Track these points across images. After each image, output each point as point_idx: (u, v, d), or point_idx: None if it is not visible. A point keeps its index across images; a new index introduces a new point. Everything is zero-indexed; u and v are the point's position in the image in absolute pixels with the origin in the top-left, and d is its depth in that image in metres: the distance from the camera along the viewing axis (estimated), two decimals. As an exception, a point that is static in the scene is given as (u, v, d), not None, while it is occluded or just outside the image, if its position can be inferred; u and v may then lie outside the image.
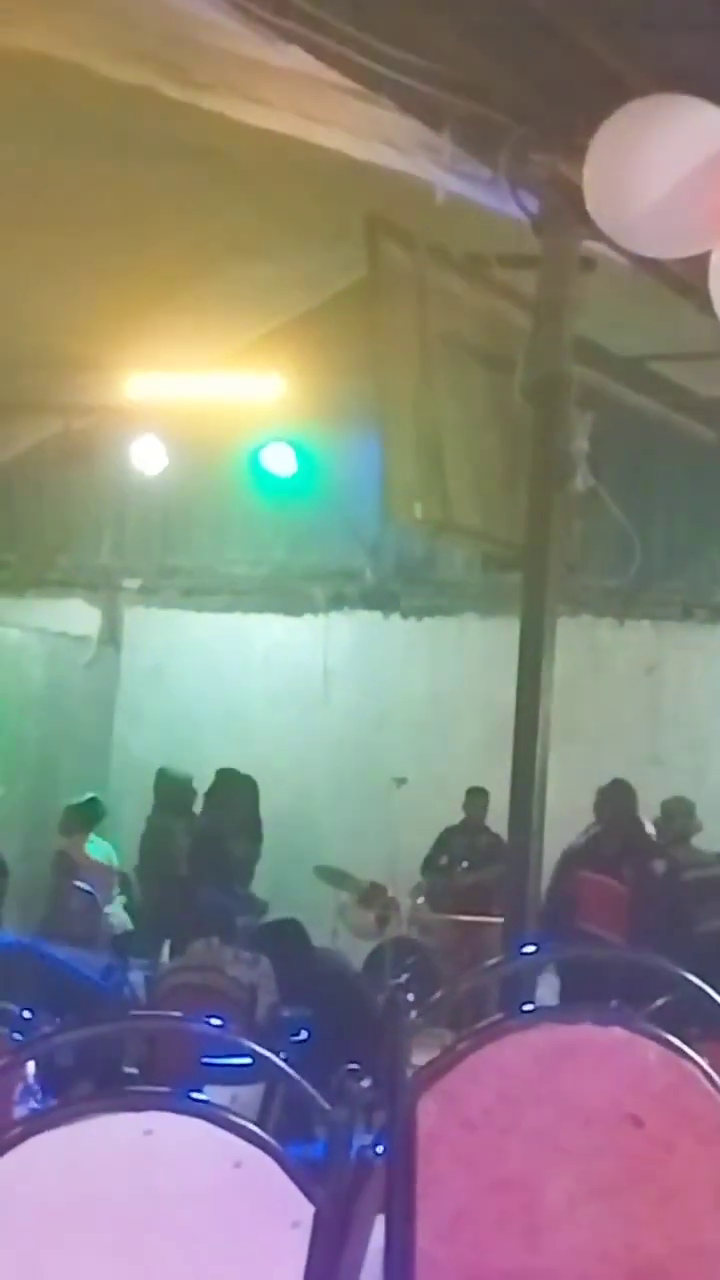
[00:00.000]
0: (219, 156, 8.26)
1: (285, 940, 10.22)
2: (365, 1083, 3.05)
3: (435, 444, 7.69)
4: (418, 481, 7.61)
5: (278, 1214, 2.94)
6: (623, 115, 5.37)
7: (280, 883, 15.18)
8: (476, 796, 14.87)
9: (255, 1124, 3.02)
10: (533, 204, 7.19)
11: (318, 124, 6.94)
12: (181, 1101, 2.95)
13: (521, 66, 6.65)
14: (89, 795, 15.02)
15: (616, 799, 13.51)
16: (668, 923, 12.02)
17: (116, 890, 14.21)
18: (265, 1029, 8.72)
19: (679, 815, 14.35)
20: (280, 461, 13.57)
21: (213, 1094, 3.39)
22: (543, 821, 7.25)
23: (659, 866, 12.65)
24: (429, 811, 15.13)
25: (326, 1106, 3.08)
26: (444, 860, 15.12)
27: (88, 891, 9.86)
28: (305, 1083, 3.17)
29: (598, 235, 6.70)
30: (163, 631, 17.57)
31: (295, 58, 6.22)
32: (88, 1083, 5.40)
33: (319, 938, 13.21)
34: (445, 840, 15.30)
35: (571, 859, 12.68)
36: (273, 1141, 2.97)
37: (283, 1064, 3.31)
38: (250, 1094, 6.39)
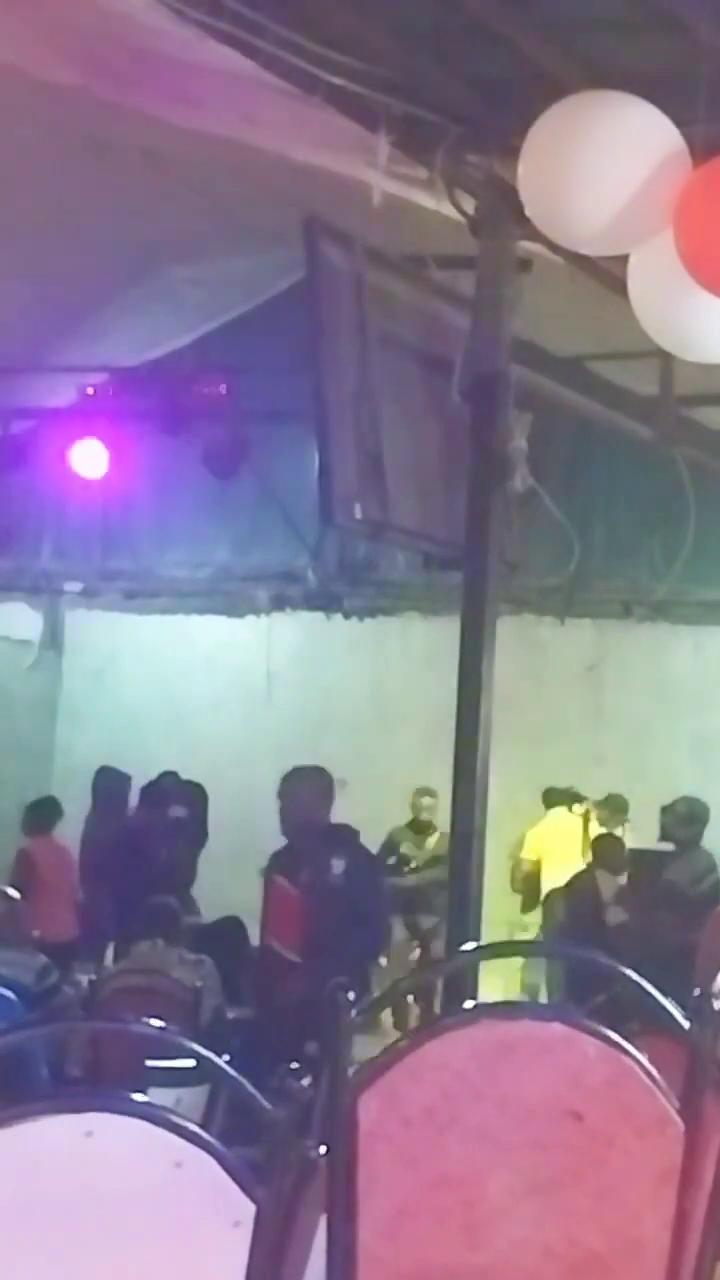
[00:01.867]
0: (156, 158, 8.25)
1: (227, 939, 10.22)
2: (305, 1082, 3.06)
3: (374, 444, 7.69)
4: (358, 482, 7.62)
5: (219, 1214, 2.94)
6: (556, 112, 5.38)
7: (224, 883, 15.17)
8: (425, 797, 14.94)
9: (200, 1126, 3.03)
10: (469, 204, 7.21)
11: (254, 125, 6.95)
12: (122, 1102, 2.95)
13: (456, 67, 6.66)
14: (48, 795, 15.06)
15: (293, 792, 11.95)
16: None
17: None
18: (209, 1030, 8.72)
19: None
20: (219, 463, 13.55)
21: (157, 1096, 3.38)
22: (485, 820, 7.27)
23: (337, 867, 10.93)
24: (372, 812, 15.14)
25: (268, 1107, 3.08)
26: (392, 860, 15.16)
27: (9, 895, 9.84)
28: (246, 1083, 3.17)
29: (534, 235, 6.73)
30: (105, 634, 17.55)
31: (230, 59, 6.23)
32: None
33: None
34: (393, 840, 15.34)
35: (270, 865, 11.32)
36: (213, 1141, 2.97)
37: (224, 1065, 3.31)
38: (195, 1096, 6.39)
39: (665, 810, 14.64)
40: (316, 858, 10.92)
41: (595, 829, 15.14)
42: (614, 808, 15.45)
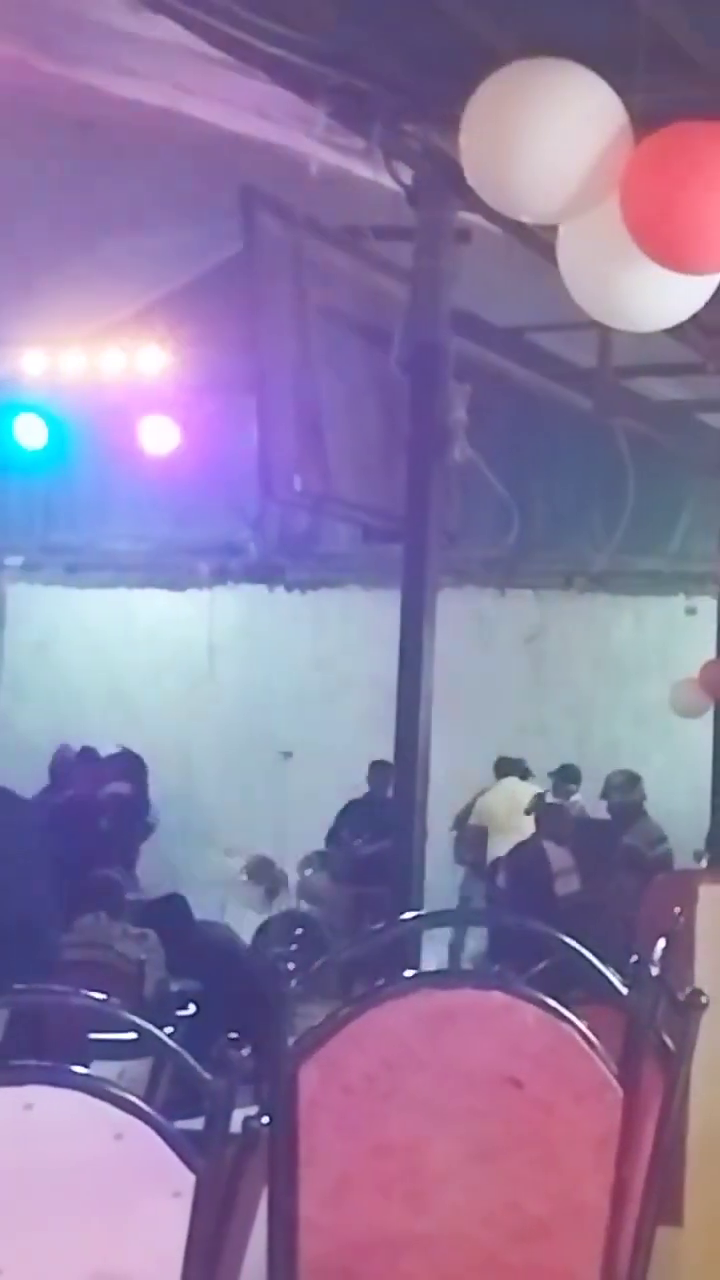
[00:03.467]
0: (94, 129, 8.20)
1: (170, 915, 10.22)
2: (245, 1052, 3.06)
3: (314, 416, 7.69)
4: (297, 454, 7.61)
5: (159, 1184, 2.95)
6: (499, 79, 5.35)
7: (168, 857, 15.18)
8: (380, 769, 14.96)
9: (142, 1099, 3.03)
10: (407, 175, 7.20)
11: (191, 96, 6.92)
12: (61, 1075, 2.95)
13: (393, 38, 6.64)
14: None
15: None
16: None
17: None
18: (153, 1004, 8.71)
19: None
20: (160, 436, 13.52)
21: (101, 1069, 3.38)
22: (426, 792, 7.28)
23: None
24: (316, 783, 15.17)
25: (208, 1077, 3.09)
26: (345, 832, 15.20)
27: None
28: (186, 1055, 3.18)
29: (473, 206, 6.72)
30: (46, 608, 17.50)
31: (166, 29, 6.20)
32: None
33: (208, 912, 13.23)
34: (348, 813, 15.36)
35: None
36: (153, 1113, 2.98)
37: (165, 1038, 3.32)
38: (138, 1069, 6.39)
39: (608, 782, 14.79)
40: None
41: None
42: (566, 778, 15.54)
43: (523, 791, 15.49)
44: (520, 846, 14.37)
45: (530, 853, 14.18)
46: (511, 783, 15.67)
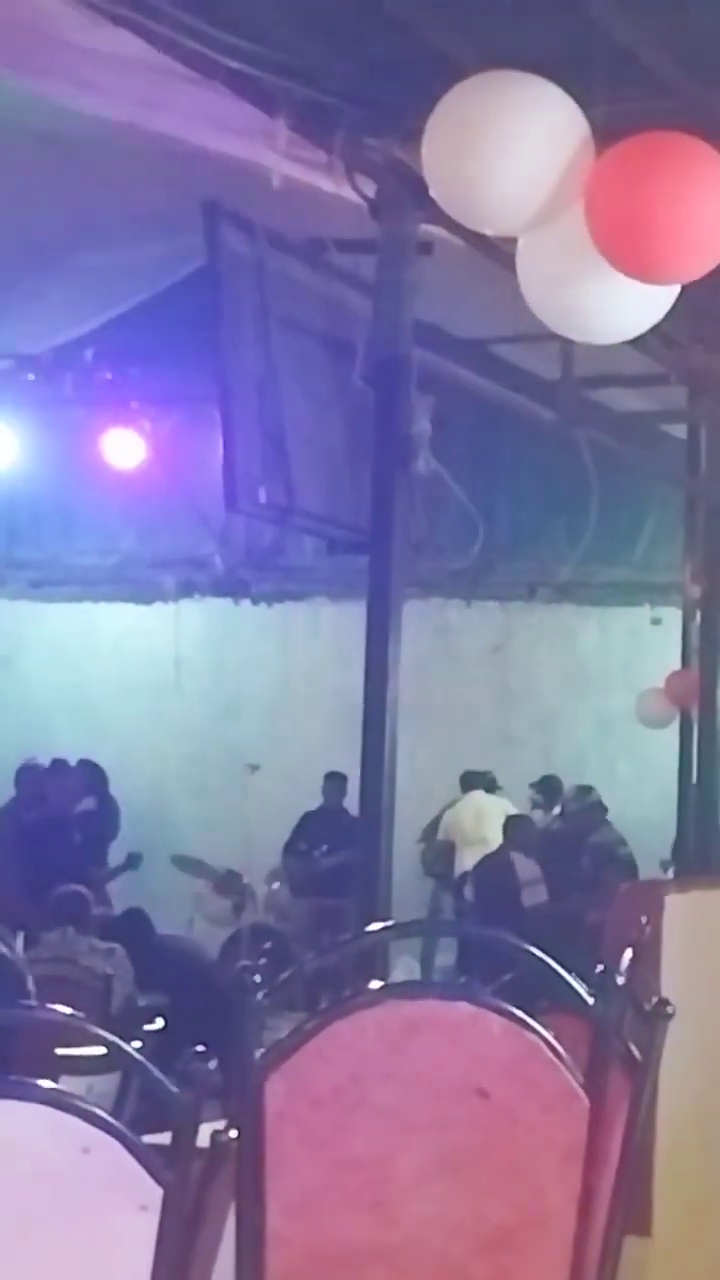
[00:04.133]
0: (56, 144, 8.20)
1: (131, 931, 10.23)
2: (212, 1065, 3.06)
3: (278, 429, 7.69)
4: (261, 467, 7.62)
5: (126, 1198, 2.95)
6: (461, 92, 5.38)
7: (136, 872, 15.15)
8: (335, 781, 14.94)
9: (110, 1113, 3.03)
10: (369, 188, 7.21)
11: (154, 110, 6.92)
12: (26, 1089, 2.94)
13: (353, 51, 6.65)
14: None
15: None
16: None
17: None
18: (120, 1018, 8.71)
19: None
20: (125, 451, 13.52)
21: (69, 1085, 3.38)
22: (393, 803, 7.28)
23: None
24: (283, 797, 15.17)
25: (175, 1091, 3.09)
26: (304, 845, 15.18)
27: None
28: (153, 1069, 3.17)
29: (435, 218, 6.74)
30: (12, 623, 17.48)
31: (128, 43, 6.20)
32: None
33: (176, 926, 13.23)
34: (305, 825, 15.35)
35: None
36: (120, 1126, 2.97)
37: (133, 1052, 3.31)
38: (106, 1084, 6.38)
39: (568, 794, 14.88)
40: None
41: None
42: (548, 789, 15.60)
43: (489, 804, 15.51)
44: (488, 858, 14.39)
45: (497, 864, 14.21)
46: (478, 796, 15.68)
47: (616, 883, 12.20)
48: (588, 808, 15.22)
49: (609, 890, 12.26)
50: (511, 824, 14.67)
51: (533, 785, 15.69)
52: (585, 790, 15.32)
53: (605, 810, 15.18)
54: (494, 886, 14.08)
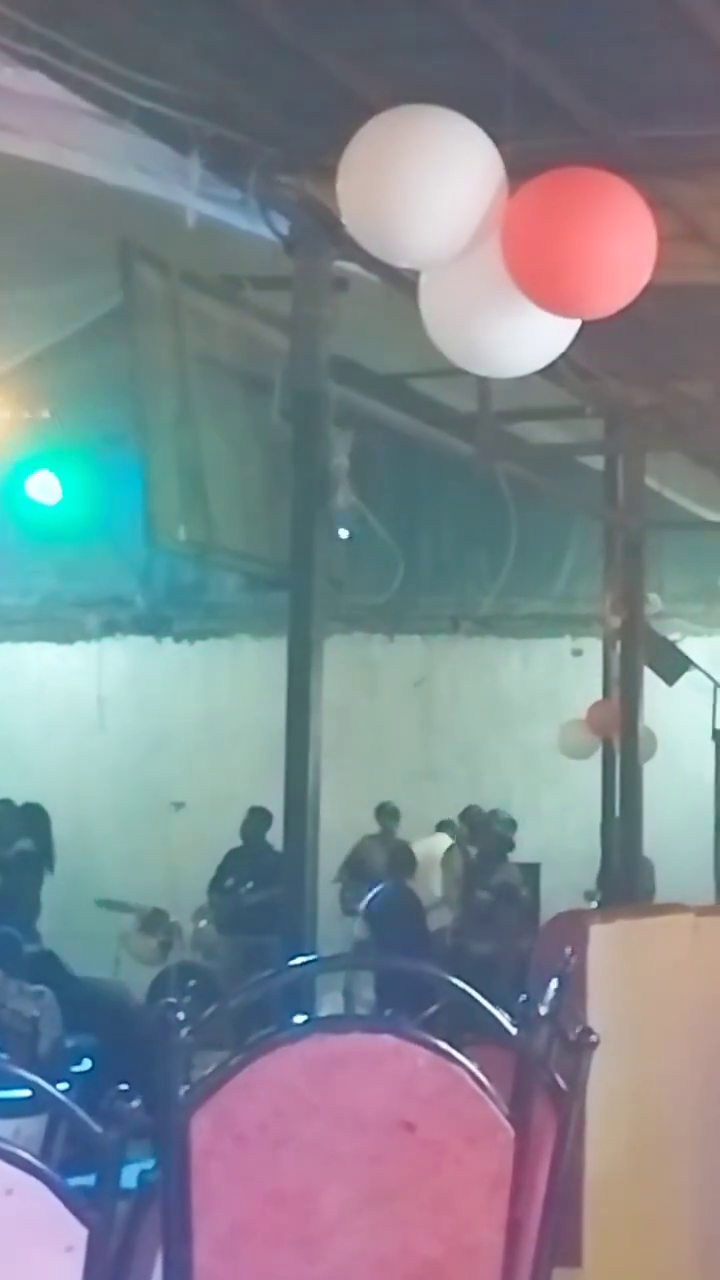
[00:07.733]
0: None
1: (48, 973, 10.18)
2: (135, 1104, 3.05)
3: (196, 466, 7.71)
4: (180, 504, 7.63)
5: (51, 1239, 2.93)
6: (375, 126, 5.39)
7: (62, 912, 15.07)
8: (258, 816, 14.90)
9: (38, 1156, 3.02)
10: (283, 225, 7.24)
11: (68, 150, 6.93)
12: (-51, 1132, 2.93)
13: (264, 88, 6.69)
14: None
15: None
16: None
17: None
18: (47, 1060, 8.66)
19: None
20: (45, 490, 13.47)
21: (-5, 1128, 3.37)
22: (317, 838, 7.29)
23: None
24: (208, 834, 15.12)
25: (99, 1131, 3.08)
26: (229, 881, 15.13)
27: None
28: (78, 1110, 3.16)
29: (349, 254, 6.77)
30: (-66, 665, 17.39)
31: (39, 84, 6.21)
32: None
33: (101, 967, 13.16)
34: (230, 861, 15.30)
35: None
36: (44, 1167, 2.96)
37: (58, 1094, 3.30)
38: (34, 1126, 6.35)
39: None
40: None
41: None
42: (472, 821, 15.65)
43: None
44: (383, 889, 14.39)
45: (396, 893, 14.23)
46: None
47: (513, 924, 12.36)
48: (497, 835, 15.28)
49: (505, 928, 12.39)
50: (392, 853, 14.85)
51: (461, 817, 15.71)
52: (493, 814, 15.38)
53: (512, 845, 15.23)
54: (398, 915, 14.09)
